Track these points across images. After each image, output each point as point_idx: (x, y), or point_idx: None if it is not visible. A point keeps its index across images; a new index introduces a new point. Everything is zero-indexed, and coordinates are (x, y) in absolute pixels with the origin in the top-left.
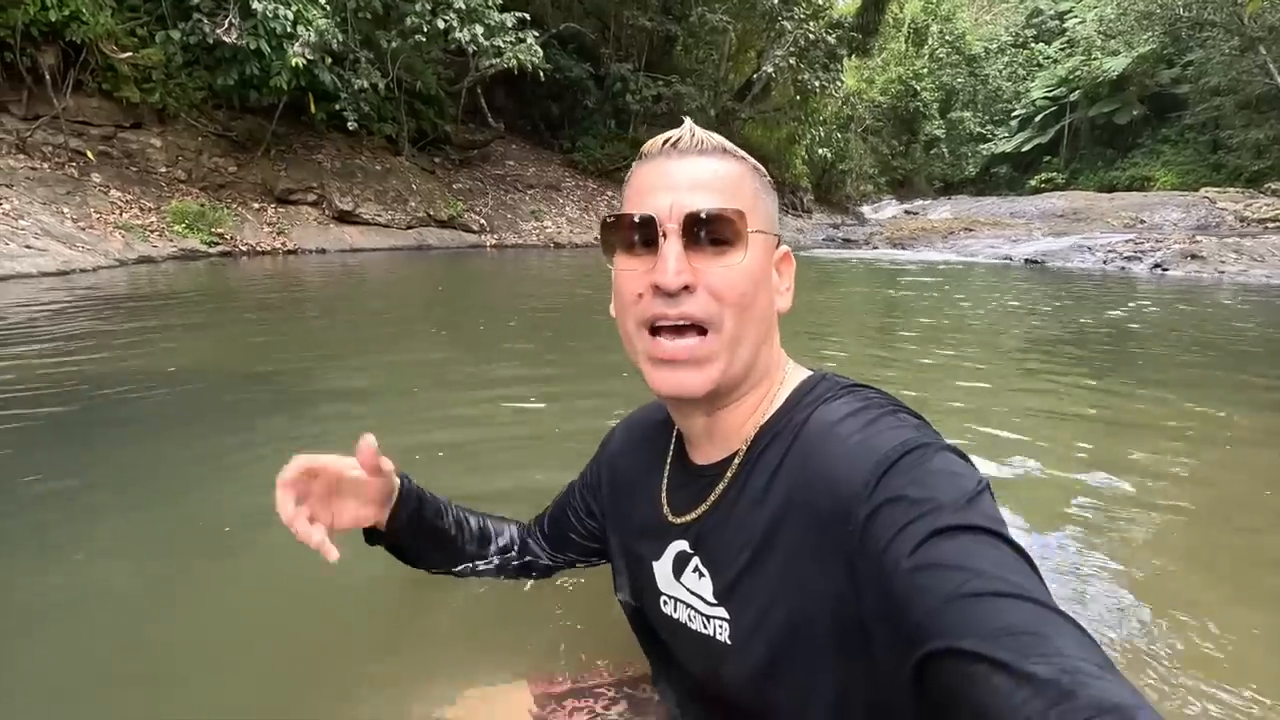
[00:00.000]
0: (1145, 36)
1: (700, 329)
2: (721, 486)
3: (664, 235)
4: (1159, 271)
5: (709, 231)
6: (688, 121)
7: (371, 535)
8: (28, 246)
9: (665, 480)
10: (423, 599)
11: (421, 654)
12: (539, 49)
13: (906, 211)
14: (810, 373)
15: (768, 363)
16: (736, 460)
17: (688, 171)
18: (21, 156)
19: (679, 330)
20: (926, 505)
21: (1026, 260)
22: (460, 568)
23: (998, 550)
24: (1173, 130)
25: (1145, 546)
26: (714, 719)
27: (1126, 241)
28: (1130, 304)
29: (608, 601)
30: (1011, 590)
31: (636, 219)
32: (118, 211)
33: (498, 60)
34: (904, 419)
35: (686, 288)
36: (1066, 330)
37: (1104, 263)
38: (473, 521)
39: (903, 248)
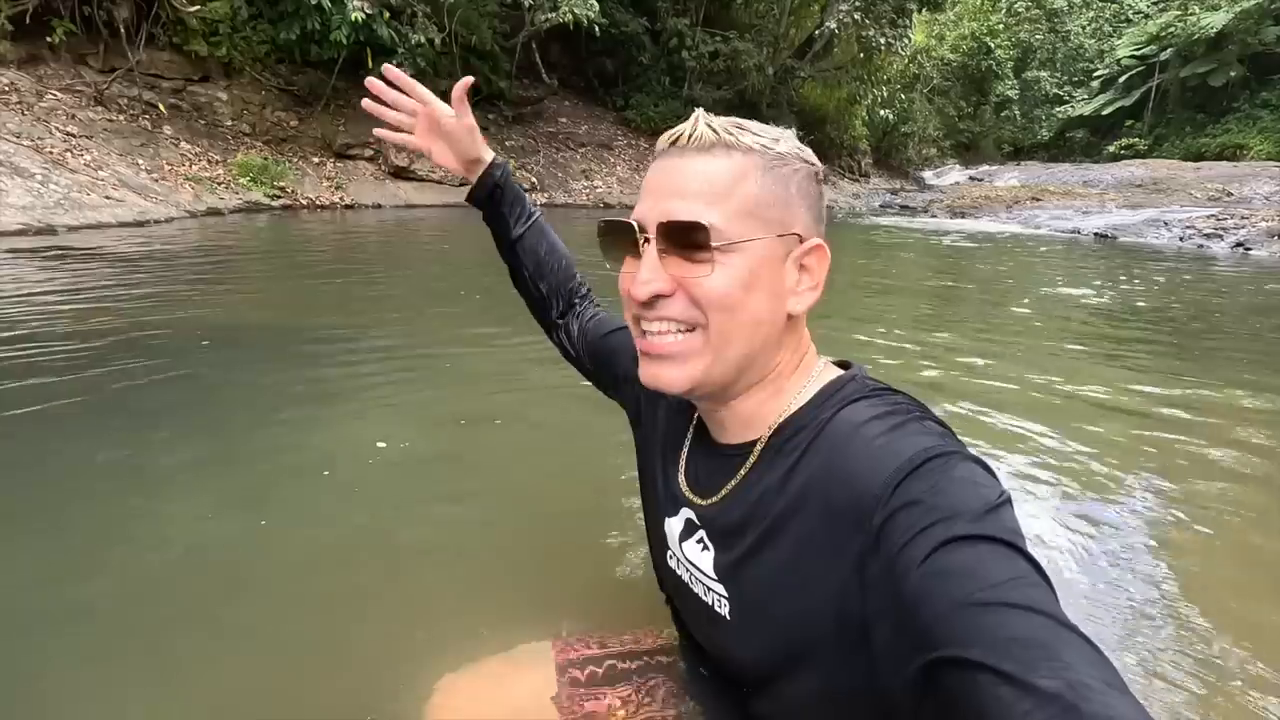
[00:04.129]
0: None
1: (685, 327)
2: (740, 475)
3: (645, 242)
4: (1241, 250)
5: (682, 240)
6: (697, 112)
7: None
8: (107, 197)
9: (687, 448)
10: (446, 559)
11: (445, 616)
12: (595, 2)
13: (971, 178)
14: (841, 371)
15: (772, 363)
16: (757, 448)
17: (677, 174)
18: (99, 109)
19: (667, 329)
20: (944, 512)
21: (1095, 234)
22: (519, 279)
23: (1012, 562)
24: (1274, 94)
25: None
26: (728, 696)
27: (1207, 217)
28: (1207, 285)
29: (636, 568)
30: (1021, 602)
31: (623, 226)
32: (187, 164)
33: (554, 14)
34: (929, 426)
35: (662, 295)
36: (1132, 313)
37: (1180, 239)
38: (551, 263)
39: (963, 216)
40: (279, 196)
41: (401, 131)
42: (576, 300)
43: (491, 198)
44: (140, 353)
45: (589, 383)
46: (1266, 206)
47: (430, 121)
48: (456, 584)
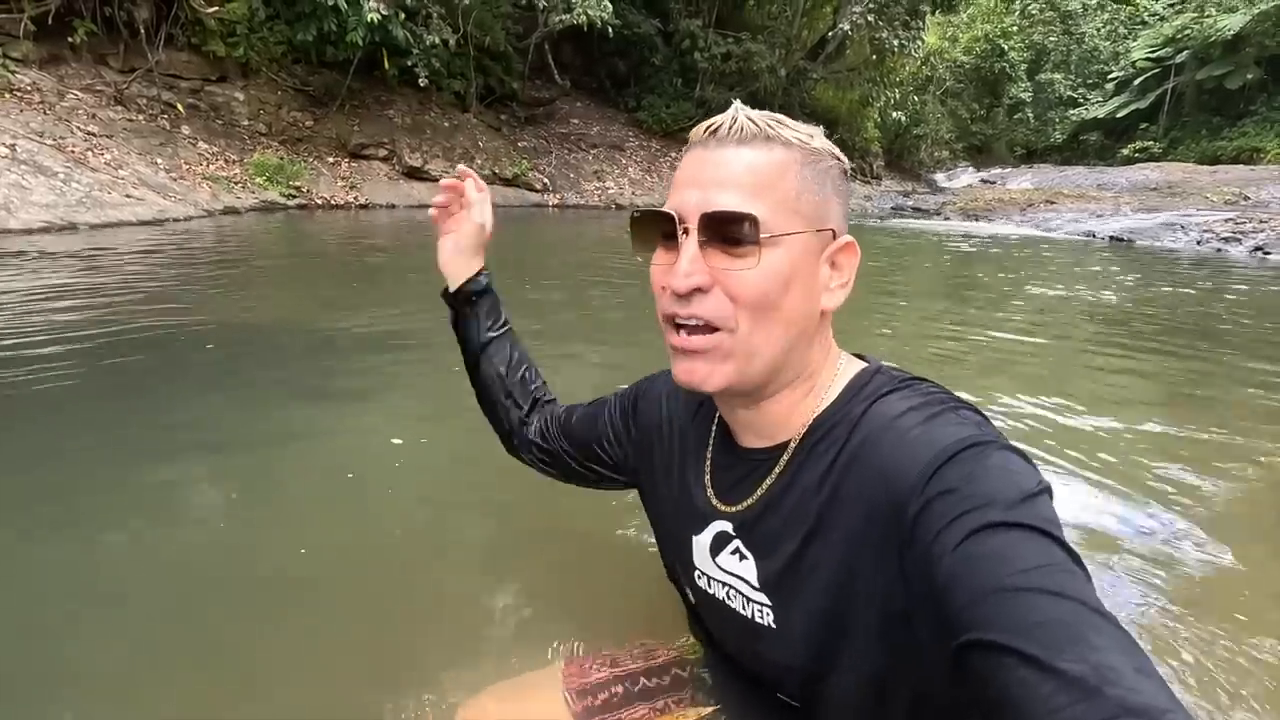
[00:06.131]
0: None
1: (713, 326)
2: (772, 477)
3: (684, 233)
4: (1260, 255)
5: (726, 233)
6: (735, 104)
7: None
8: (127, 195)
9: (709, 459)
10: (449, 579)
11: (451, 639)
12: (609, 4)
13: (983, 180)
14: (864, 365)
15: (805, 361)
16: (788, 451)
17: (719, 165)
18: (119, 108)
19: (694, 326)
20: (979, 500)
21: (1111, 238)
22: (485, 384)
23: (1045, 549)
24: None
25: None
26: (757, 697)
27: (1225, 221)
28: (1231, 289)
29: (641, 578)
30: (1051, 587)
31: (661, 216)
32: (205, 163)
33: (568, 15)
34: (965, 416)
35: (700, 289)
36: (1149, 318)
37: (1198, 243)
38: (521, 368)
39: (976, 219)
40: (294, 196)
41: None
42: (541, 399)
43: (479, 297)
44: (155, 349)
45: (587, 474)
46: None
47: (462, 215)
48: (463, 596)
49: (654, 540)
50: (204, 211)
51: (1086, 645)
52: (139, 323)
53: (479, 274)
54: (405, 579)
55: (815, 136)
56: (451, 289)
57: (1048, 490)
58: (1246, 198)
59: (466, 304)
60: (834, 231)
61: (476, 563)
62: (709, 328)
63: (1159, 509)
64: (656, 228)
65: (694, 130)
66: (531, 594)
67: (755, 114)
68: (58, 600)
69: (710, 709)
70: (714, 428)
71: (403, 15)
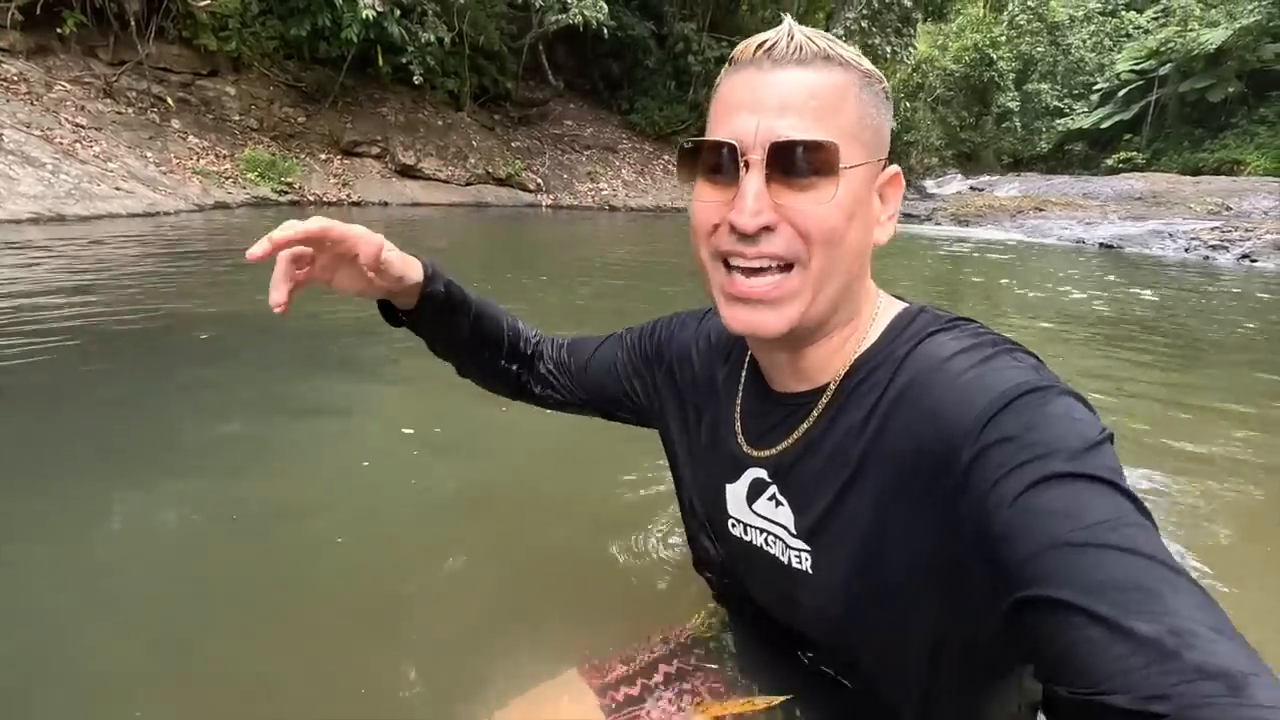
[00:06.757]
0: (1250, 7)
1: (782, 265)
2: (810, 421)
3: (745, 167)
4: (1246, 263)
5: (797, 164)
6: (787, 20)
7: (388, 311)
8: (117, 188)
9: (739, 404)
10: (452, 585)
11: (462, 649)
12: (604, 4)
13: (972, 188)
14: (906, 304)
15: (858, 298)
16: (827, 394)
17: (780, 88)
18: (109, 101)
19: (759, 269)
20: (1040, 449)
21: (1101, 244)
22: (472, 365)
23: (1111, 501)
24: (1272, 110)
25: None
26: (789, 661)
27: (1212, 229)
28: (1220, 296)
29: (648, 566)
30: (1120, 543)
31: (716, 146)
32: (195, 158)
33: (563, 15)
34: (1021, 358)
35: (766, 227)
36: (1145, 322)
37: (1186, 250)
38: (496, 323)
39: (967, 225)
40: (286, 192)
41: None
42: (531, 342)
43: (442, 306)
44: (149, 344)
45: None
46: (1266, 221)
47: (336, 256)
48: (467, 608)
49: (660, 534)
50: (194, 206)
51: (1160, 604)
52: (133, 313)
53: (432, 279)
54: (403, 585)
55: (863, 58)
56: (406, 309)
57: (1110, 438)
58: (1229, 208)
59: (434, 313)
60: (885, 161)
61: (482, 569)
62: (777, 268)
63: (1168, 496)
64: (704, 160)
65: (740, 48)
66: (540, 599)
67: (811, 32)
68: (54, 600)
69: (739, 677)
70: (744, 373)
71: (398, 12)
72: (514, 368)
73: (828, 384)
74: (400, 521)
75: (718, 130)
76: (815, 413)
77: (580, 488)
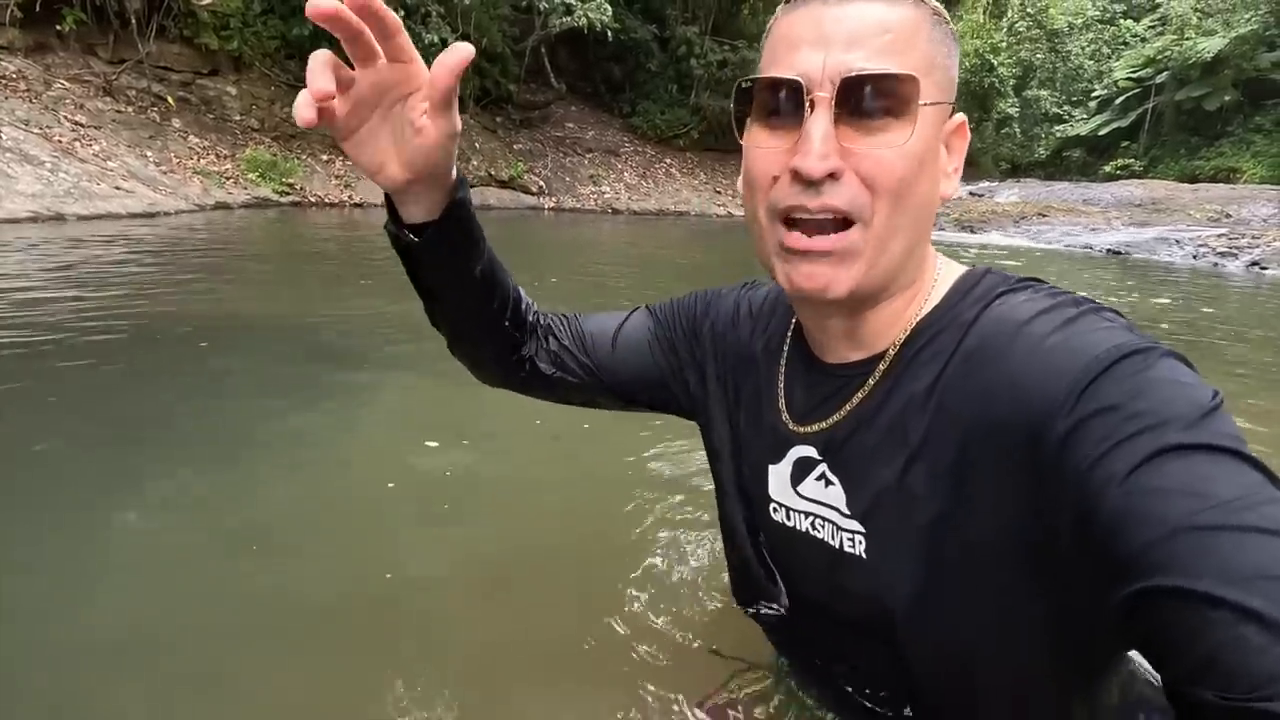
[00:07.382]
0: (1247, 16)
1: (844, 221)
2: (865, 391)
3: (810, 106)
4: (1256, 270)
5: (870, 102)
6: None
7: (395, 218)
8: (117, 187)
9: (782, 379)
10: (470, 664)
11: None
12: (608, 7)
13: (971, 193)
14: (966, 267)
15: (921, 258)
16: (885, 361)
17: (849, 21)
18: (108, 99)
19: (818, 223)
20: (1150, 419)
21: (1109, 250)
22: (472, 324)
23: (1242, 474)
24: (1268, 119)
25: None
26: (840, 665)
27: (1219, 236)
28: (1237, 303)
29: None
30: (1261, 524)
31: (778, 83)
32: (195, 157)
33: (568, 18)
34: (1111, 318)
35: (832, 175)
36: (1169, 331)
37: (1194, 257)
38: (505, 274)
39: (971, 230)
40: (288, 193)
41: (333, 98)
42: (534, 312)
43: (467, 223)
44: (151, 347)
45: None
46: (1268, 227)
47: (392, 99)
48: (495, 686)
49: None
50: (195, 206)
51: None
52: (134, 315)
53: (461, 184)
54: (409, 598)
55: None
56: (419, 218)
57: (1223, 402)
58: (1229, 215)
59: (458, 228)
60: (953, 106)
61: (482, 569)
62: (840, 222)
63: None
64: (761, 102)
65: None
66: (568, 667)
67: None
68: (51, 612)
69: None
70: (786, 345)
71: (402, 13)
72: (518, 334)
73: (885, 351)
74: (409, 534)
75: (777, 69)
76: (871, 382)
77: (615, 513)
